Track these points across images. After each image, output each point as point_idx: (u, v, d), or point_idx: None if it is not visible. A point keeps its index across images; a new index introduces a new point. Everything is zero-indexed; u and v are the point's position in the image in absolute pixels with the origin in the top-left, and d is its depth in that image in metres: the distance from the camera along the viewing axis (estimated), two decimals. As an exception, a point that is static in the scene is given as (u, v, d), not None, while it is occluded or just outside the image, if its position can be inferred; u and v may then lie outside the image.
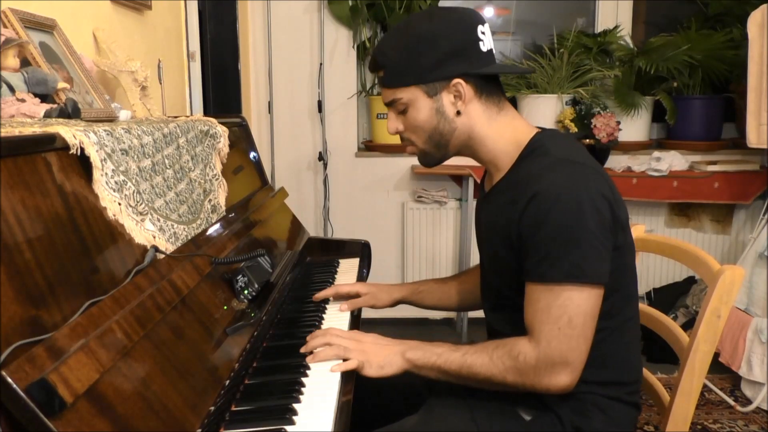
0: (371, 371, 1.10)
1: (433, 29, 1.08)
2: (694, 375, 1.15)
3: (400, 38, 1.12)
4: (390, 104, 1.15)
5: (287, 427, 0.90)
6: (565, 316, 0.99)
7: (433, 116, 1.11)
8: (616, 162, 3.05)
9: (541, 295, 1.01)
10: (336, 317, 1.38)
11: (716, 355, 2.51)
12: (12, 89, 1.05)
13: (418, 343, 1.13)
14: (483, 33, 1.10)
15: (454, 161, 1.24)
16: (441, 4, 3.05)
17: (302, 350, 1.14)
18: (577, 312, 0.99)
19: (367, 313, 1.51)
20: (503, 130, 1.13)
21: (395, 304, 1.46)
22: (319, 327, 1.31)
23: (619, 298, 1.09)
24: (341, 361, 1.10)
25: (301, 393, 1.00)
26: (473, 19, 1.11)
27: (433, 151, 1.16)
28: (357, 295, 1.43)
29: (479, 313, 1.30)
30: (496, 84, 1.14)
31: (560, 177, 1.01)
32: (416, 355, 1.10)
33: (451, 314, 3.28)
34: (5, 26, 1.12)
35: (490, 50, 1.12)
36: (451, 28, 1.08)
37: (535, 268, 1.02)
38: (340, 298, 1.44)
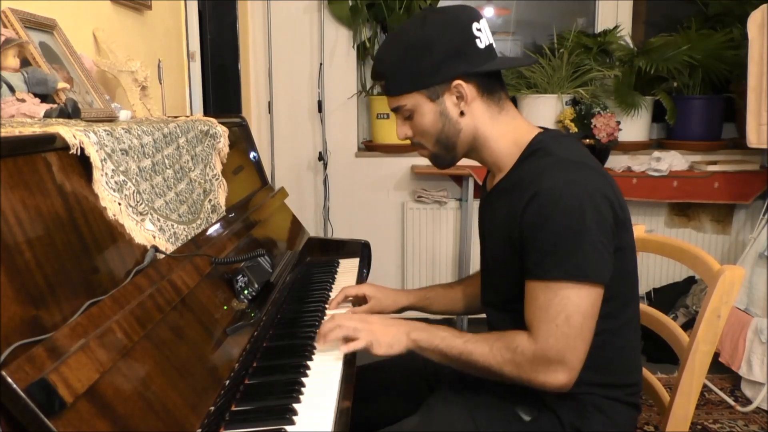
0: (380, 350, 1.10)
1: (426, 35, 1.09)
2: (694, 375, 1.15)
3: (396, 46, 1.13)
4: (395, 110, 1.16)
5: (287, 427, 0.90)
6: (563, 315, 0.99)
7: (437, 119, 1.12)
8: (616, 162, 3.05)
9: (540, 293, 1.01)
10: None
11: (716, 355, 2.51)
12: (12, 89, 1.05)
13: (424, 324, 1.13)
14: (479, 30, 1.09)
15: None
16: (441, 2, 3.05)
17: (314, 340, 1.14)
18: (575, 311, 0.99)
19: (367, 313, 1.51)
20: (505, 131, 1.13)
21: (401, 311, 1.44)
22: (319, 327, 1.31)
23: (620, 302, 1.09)
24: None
25: (301, 393, 1.00)
26: (467, 17, 1.10)
27: (443, 154, 1.17)
28: (364, 298, 1.42)
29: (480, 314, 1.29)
30: (497, 81, 1.14)
31: (562, 176, 1.02)
32: (421, 336, 1.11)
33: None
34: (5, 26, 1.12)
35: (490, 46, 1.12)
36: (444, 31, 1.08)
37: (536, 266, 1.02)
38: (348, 300, 1.43)
